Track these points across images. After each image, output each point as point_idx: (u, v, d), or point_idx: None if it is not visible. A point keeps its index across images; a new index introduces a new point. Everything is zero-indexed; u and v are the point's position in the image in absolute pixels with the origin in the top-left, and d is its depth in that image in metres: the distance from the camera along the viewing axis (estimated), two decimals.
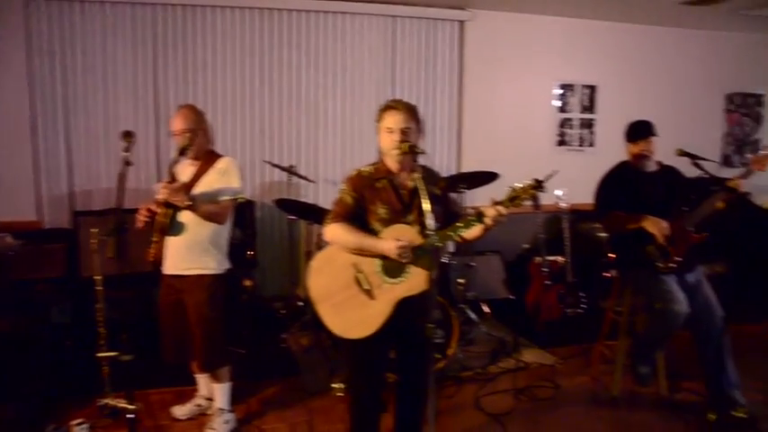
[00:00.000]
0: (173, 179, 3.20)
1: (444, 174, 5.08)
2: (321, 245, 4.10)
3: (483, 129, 6.13)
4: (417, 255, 2.59)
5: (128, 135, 3.12)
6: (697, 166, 3.62)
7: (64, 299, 4.51)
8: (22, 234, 4.58)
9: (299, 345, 4.70)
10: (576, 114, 6.46)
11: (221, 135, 5.28)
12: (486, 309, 5.17)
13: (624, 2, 5.65)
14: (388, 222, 2.69)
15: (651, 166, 3.80)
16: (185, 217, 3.23)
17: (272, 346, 4.74)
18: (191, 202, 3.15)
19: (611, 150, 4.13)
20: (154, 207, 3.20)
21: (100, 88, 5.08)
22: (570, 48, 6.34)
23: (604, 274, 5.10)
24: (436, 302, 2.64)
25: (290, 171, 5.14)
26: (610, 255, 4.02)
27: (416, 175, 2.57)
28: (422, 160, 2.71)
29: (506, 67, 6.15)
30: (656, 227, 3.55)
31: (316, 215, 4.60)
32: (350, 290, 2.70)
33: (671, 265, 3.57)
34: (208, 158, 3.37)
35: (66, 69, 4.96)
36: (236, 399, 3.62)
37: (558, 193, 5.45)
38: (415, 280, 2.62)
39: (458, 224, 2.59)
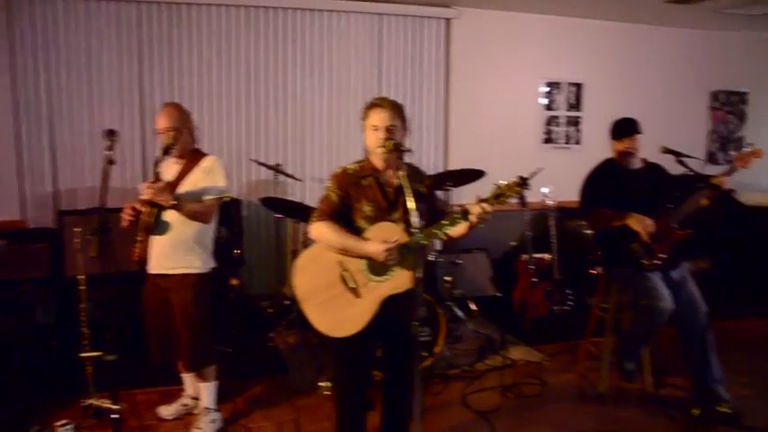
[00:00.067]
0: (157, 178, 3.18)
1: (431, 172, 5.12)
2: (308, 243, 4.09)
3: (470, 127, 6.14)
4: (403, 253, 2.59)
5: (111, 134, 3.09)
6: (681, 163, 3.64)
7: (48, 299, 4.48)
8: (6, 234, 4.55)
9: (286, 343, 4.69)
10: (562, 112, 6.48)
11: (207, 133, 5.27)
12: (473, 306, 5.19)
13: (609, 0, 5.68)
14: (373, 220, 2.69)
15: (636, 164, 3.82)
16: (170, 216, 3.21)
17: (260, 344, 4.73)
18: (175, 202, 3.13)
19: (597, 148, 4.15)
20: (138, 206, 3.17)
21: (84, 86, 5.04)
22: (556, 46, 6.36)
23: (591, 271, 5.12)
24: (422, 300, 2.63)
25: (277, 169, 5.13)
26: (597, 252, 4.04)
27: (401, 173, 2.56)
28: (408, 158, 2.71)
29: (493, 64, 6.16)
30: (640, 224, 3.57)
31: (302, 213, 4.59)
32: (336, 288, 2.70)
33: (655, 262, 3.59)
34: (192, 157, 3.35)
35: (49, 67, 4.92)
36: (222, 398, 3.61)
37: (545, 190, 5.48)
38: (401, 278, 2.62)
39: (443, 222, 2.59)
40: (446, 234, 2.66)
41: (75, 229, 3.38)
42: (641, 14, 6.22)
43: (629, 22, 6.50)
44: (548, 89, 6.40)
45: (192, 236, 3.29)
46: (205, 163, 3.32)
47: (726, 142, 7.18)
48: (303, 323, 2.99)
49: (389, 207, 2.72)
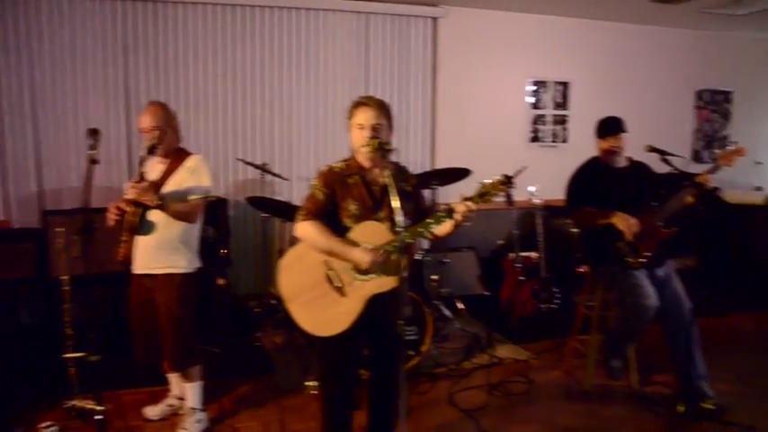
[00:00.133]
0: (142, 177, 3.16)
1: (418, 170, 5.13)
2: (294, 243, 4.08)
3: (457, 125, 6.15)
4: (388, 252, 2.59)
5: (93, 133, 3.07)
6: (666, 161, 3.67)
7: (34, 300, 4.44)
8: None
9: (272, 343, 4.68)
10: (549, 111, 6.50)
11: (194, 132, 5.26)
12: (460, 305, 5.20)
13: None
14: (359, 219, 2.69)
15: (621, 162, 3.84)
16: (155, 216, 3.19)
17: (246, 344, 4.71)
18: (160, 202, 3.11)
19: (584, 147, 4.16)
20: (123, 205, 3.15)
21: (69, 85, 5.00)
22: (543, 45, 6.38)
23: (578, 269, 5.15)
24: (407, 299, 2.63)
25: (264, 169, 5.11)
26: (582, 250, 4.06)
27: (386, 173, 2.56)
28: (394, 157, 2.71)
29: (480, 63, 6.17)
30: (624, 223, 3.58)
31: (289, 213, 4.58)
32: (321, 287, 2.70)
33: (640, 260, 3.61)
34: (177, 156, 3.32)
35: (33, 65, 4.88)
36: (209, 398, 3.60)
37: (532, 189, 5.50)
38: (386, 277, 2.62)
39: (428, 220, 2.60)
40: (432, 233, 2.67)
41: (58, 230, 3.35)
42: (627, 14, 6.26)
43: (616, 21, 6.54)
44: (534, 88, 6.42)
45: (177, 235, 3.27)
46: (190, 162, 3.30)
47: (711, 141, 7.25)
48: (290, 323, 2.98)
49: (375, 206, 2.72)
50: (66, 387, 3.42)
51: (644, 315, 3.55)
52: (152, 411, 3.62)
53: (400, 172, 2.84)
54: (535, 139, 6.48)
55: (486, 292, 5.76)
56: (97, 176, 3.93)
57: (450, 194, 4.73)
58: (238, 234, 5.42)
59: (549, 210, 5.66)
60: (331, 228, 2.69)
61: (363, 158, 2.72)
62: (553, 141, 6.54)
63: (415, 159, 5.98)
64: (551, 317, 5.38)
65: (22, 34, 4.82)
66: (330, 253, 2.67)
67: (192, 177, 3.27)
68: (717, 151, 5.64)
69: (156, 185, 3.19)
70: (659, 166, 3.78)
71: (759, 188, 7.01)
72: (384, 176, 2.64)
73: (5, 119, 4.85)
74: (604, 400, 3.91)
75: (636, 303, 3.55)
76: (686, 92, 7.10)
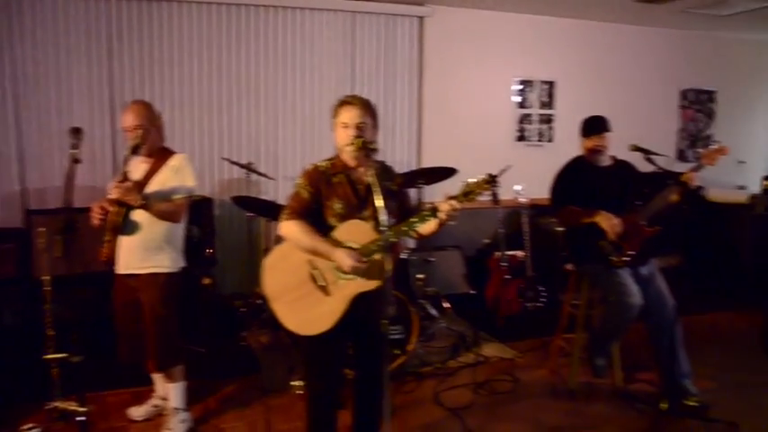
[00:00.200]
0: (125, 177, 3.13)
1: (404, 169, 5.13)
2: (280, 242, 4.07)
3: (443, 124, 6.16)
4: (373, 251, 2.58)
5: (76, 132, 3.04)
6: (649, 161, 3.68)
7: (17, 300, 4.40)
8: None
9: (258, 343, 4.66)
10: (535, 110, 6.52)
11: (179, 131, 5.24)
12: (446, 304, 5.20)
13: None
14: (344, 217, 2.68)
15: (605, 161, 3.86)
16: (139, 216, 3.17)
17: (232, 344, 4.69)
18: (144, 202, 3.09)
19: (569, 145, 4.18)
20: (107, 205, 3.13)
21: (52, 83, 4.95)
22: (529, 44, 6.40)
23: (563, 268, 5.17)
24: (392, 298, 2.63)
25: (249, 168, 5.09)
26: (567, 249, 4.07)
27: (370, 172, 2.56)
28: (381, 155, 2.71)
29: (466, 62, 6.18)
30: (607, 223, 3.60)
31: (275, 212, 4.55)
32: (305, 287, 2.69)
33: (624, 259, 3.63)
34: (161, 155, 3.30)
35: (16, 63, 4.83)
36: (194, 398, 3.58)
37: (518, 188, 5.51)
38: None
39: (412, 219, 2.60)
40: (416, 231, 2.67)
41: (40, 230, 3.32)
42: (612, 14, 6.29)
43: (601, 21, 6.57)
44: (521, 87, 6.44)
45: (161, 235, 3.25)
46: (173, 161, 3.28)
47: (695, 140, 7.30)
48: (275, 322, 2.97)
49: (360, 204, 2.71)
50: (49, 388, 3.40)
51: (628, 313, 3.57)
52: (137, 412, 3.60)
53: (385, 171, 2.83)
54: (521, 138, 6.50)
55: (471, 291, 5.76)
56: (81, 176, 3.92)
57: (437, 193, 4.72)
58: (224, 234, 5.39)
59: (535, 209, 5.68)
60: (316, 227, 2.68)
61: (348, 157, 2.71)
62: (539, 140, 6.56)
63: (401, 158, 5.98)
64: (537, 315, 5.40)
65: (5, 32, 4.77)
66: (314, 252, 2.66)
67: (175, 177, 3.25)
68: (700, 150, 5.69)
69: (140, 185, 3.16)
70: (644, 166, 3.80)
71: (742, 187, 7.08)
72: (369, 175, 2.64)
73: None
74: (589, 398, 3.93)
75: (620, 302, 3.58)
76: (671, 91, 7.15)
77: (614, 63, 6.75)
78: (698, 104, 7.29)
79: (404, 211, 2.81)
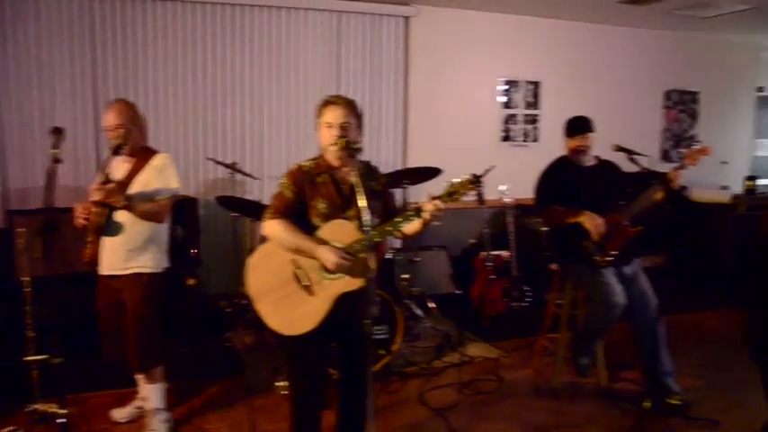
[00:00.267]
0: (107, 178, 3.10)
1: (390, 169, 5.13)
2: (264, 242, 4.05)
3: (428, 124, 6.17)
4: (357, 251, 2.58)
5: (57, 132, 3.02)
6: (632, 161, 3.70)
7: None
8: None
9: (242, 343, 4.64)
10: (520, 110, 6.55)
11: (163, 131, 5.21)
12: (431, 304, 5.20)
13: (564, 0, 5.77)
14: (327, 217, 2.68)
15: (588, 161, 3.88)
16: (122, 216, 3.14)
17: (217, 344, 4.67)
18: (127, 203, 3.06)
19: (555, 146, 4.19)
20: (89, 207, 3.09)
21: (34, 82, 4.90)
22: (514, 44, 6.43)
23: (548, 267, 5.19)
24: (376, 298, 2.63)
25: (234, 168, 5.07)
26: (551, 249, 4.09)
27: (354, 172, 2.55)
28: (366, 155, 2.70)
29: (451, 63, 6.19)
30: (591, 223, 3.61)
31: (259, 212, 4.52)
32: (289, 286, 2.67)
33: (607, 258, 3.64)
34: (143, 155, 3.27)
35: None
36: (178, 398, 3.56)
37: (503, 188, 5.52)
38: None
39: (396, 219, 2.60)
40: (400, 231, 2.67)
41: (19, 230, 3.28)
42: (597, 14, 6.33)
43: (586, 21, 6.61)
44: (506, 87, 6.46)
45: (144, 236, 3.23)
46: (156, 161, 3.26)
47: (679, 140, 7.36)
48: (260, 323, 2.96)
49: (344, 204, 2.71)
50: (29, 390, 3.36)
51: (611, 313, 3.59)
52: (119, 414, 3.57)
53: (369, 171, 2.83)
54: (506, 138, 6.52)
55: (457, 291, 5.77)
56: (64, 176, 3.88)
57: (422, 193, 4.71)
58: (208, 234, 5.36)
59: (520, 209, 5.69)
60: (299, 227, 2.68)
61: (332, 157, 2.70)
62: (524, 140, 6.59)
63: (386, 158, 5.97)
64: (522, 315, 5.41)
65: None
66: (298, 251, 2.65)
67: (158, 176, 3.22)
68: (683, 150, 5.74)
69: (122, 185, 3.13)
70: (627, 166, 3.82)
71: (725, 187, 7.13)
72: (352, 175, 2.63)
73: None
74: (573, 398, 3.95)
75: (603, 301, 3.60)
76: (655, 92, 7.20)
77: (599, 64, 6.79)
78: (681, 105, 7.36)
79: (388, 211, 2.81)
